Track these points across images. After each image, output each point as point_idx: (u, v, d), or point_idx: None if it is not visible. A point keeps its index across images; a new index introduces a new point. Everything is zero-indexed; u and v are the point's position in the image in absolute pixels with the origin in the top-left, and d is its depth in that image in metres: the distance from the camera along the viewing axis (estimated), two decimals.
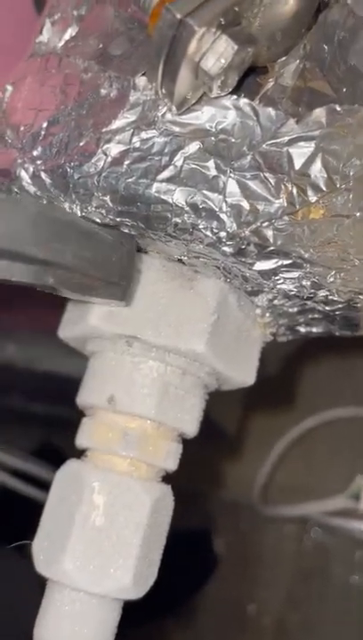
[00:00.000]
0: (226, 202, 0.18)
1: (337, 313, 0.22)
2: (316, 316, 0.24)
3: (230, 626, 0.68)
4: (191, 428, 0.24)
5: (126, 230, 0.20)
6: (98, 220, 0.20)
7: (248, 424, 0.71)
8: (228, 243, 0.19)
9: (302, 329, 0.26)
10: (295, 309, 0.23)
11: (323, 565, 0.67)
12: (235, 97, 0.18)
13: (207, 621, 0.68)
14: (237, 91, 0.18)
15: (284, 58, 0.19)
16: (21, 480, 0.42)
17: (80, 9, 0.22)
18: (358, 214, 0.19)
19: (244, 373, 0.24)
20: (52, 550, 0.22)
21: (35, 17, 0.26)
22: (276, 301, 0.23)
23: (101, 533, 0.21)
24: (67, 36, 0.21)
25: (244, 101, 0.18)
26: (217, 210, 0.18)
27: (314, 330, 0.25)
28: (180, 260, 0.22)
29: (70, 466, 0.23)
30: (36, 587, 0.23)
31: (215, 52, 0.16)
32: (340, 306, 0.22)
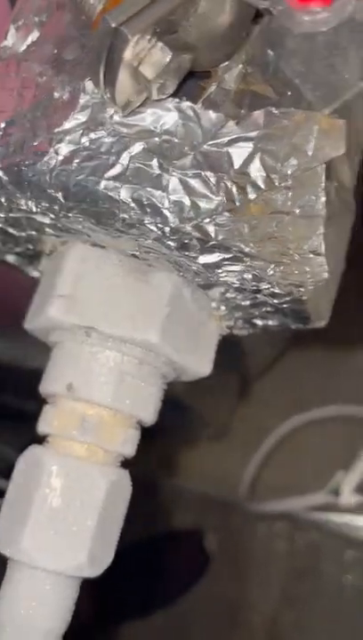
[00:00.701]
0: (169, 199, 0.19)
1: (285, 306, 0.23)
2: (268, 309, 0.25)
3: (223, 625, 0.69)
4: (148, 416, 0.25)
5: (80, 227, 0.21)
6: (52, 216, 0.21)
7: (236, 422, 0.72)
8: (171, 237, 0.20)
9: (259, 322, 0.27)
10: (248, 302, 0.24)
11: (315, 564, 0.68)
12: (177, 100, 0.19)
13: (199, 621, 0.69)
14: (180, 94, 0.19)
15: (226, 63, 0.20)
16: None
17: (41, 15, 0.23)
18: (297, 211, 0.20)
19: (199, 364, 0.25)
20: (12, 530, 0.23)
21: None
22: (228, 294, 0.24)
23: (59, 514, 0.22)
24: (28, 41, 0.23)
25: (186, 104, 0.19)
26: (161, 206, 0.19)
27: (270, 323, 0.26)
28: (134, 255, 0.23)
29: (31, 451, 0.24)
30: None
31: (151, 58, 0.17)
32: (286, 299, 0.23)
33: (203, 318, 0.25)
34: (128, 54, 0.17)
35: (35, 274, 0.29)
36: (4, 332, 0.50)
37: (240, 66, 0.20)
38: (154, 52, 0.17)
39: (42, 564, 0.22)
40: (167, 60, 0.17)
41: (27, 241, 0.25)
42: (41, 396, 0.25)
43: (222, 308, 0.25)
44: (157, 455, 0.67)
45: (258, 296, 0.23)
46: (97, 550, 0.23)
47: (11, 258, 0.28)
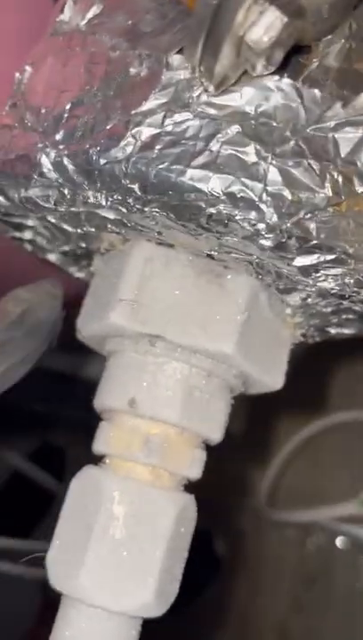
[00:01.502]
0: (266, 191, 0.17)
1: None
2: (350, 316, 0.22)
3: (232, 629, 0.67)
4: (216, 435, 0.22)
5: (153, 223, 0.19)
6: (124, 211, 0.18)
7: (256, 426, 0.70)
8: (267, 235, 0.17)
9: (333, 330, 0.24)
10: (330, 309, 0.22)
11: (327, 571, 0.66)
12: (277, 77, 0.17)
13: (210, 624, 0.67)
14: (279, 71, 0.17)
15: (329, 37, 0.17)
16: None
17: None
18: None
19: (272, 376, 0.23)
20: (69, 564, 0.20)
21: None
22: (309, 300, 0.21)
23: (121, 547, 0.20)
24: (90, 14, 0.20)
25: (287, 82, 0.17)
26: (257, 199, 0.17)
27: (345, 331, 0.24)
28: (208, 255, 0.20)
29: (87, 473, 0.21)
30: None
31: (263, 24, 0.14)
32: None
33: (277, 326, 0.23)
34: (238, 19, 0.14)
35: (79, 274, 0.26)
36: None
37: (343, 41, 0.18)
38: (266, 17, 0.14)
39: (102, 604, 0.20)
40: (281, 26, 0.14)
41: (80, 238, 0.23)
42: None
43: (299, 314, 0.23)
44: None
45: (344, 302, 0.21)
46: (164, 586, 0.20)
47: (53, 256, 0.26)
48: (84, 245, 0.23)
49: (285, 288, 0.21)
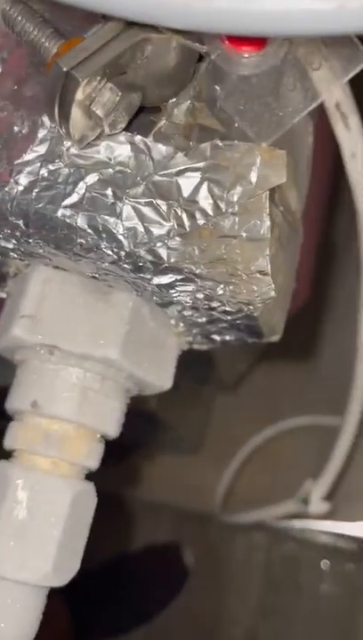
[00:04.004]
0: (123, 225, 0.21)
1: (239, 322, 0.25)
2: (223, 325, 0.26)
3: (202, 637, 0.70)
4: (112, 430, 0.26)
5: (41, 251, 0.23)
6: (14, 242, 0.22)
7: (210, 433, 0.73)
8: (127, 260, 0.21)
9: (217, 337, 0.28)
10: (204, 319, 0.26)
11: (292, 575, 0.69)
12: (130, 134, 0.21)
13: (178, 632, 0.70)
14: (132, 128, 0.21)
15: (174, 99, 0.22)
16: None
17: (2, 52, 0.24)
18: (244, 235, 0.22)
19: (160, 378, 0.27)
20: None
21: None
22: (185, 312, 0.25)
23: (24, 525, 0.23)
24: None
25: (138, 138, 0.21)
26: (115, 232, 0.21)
27: (227, 338, 0.28)
28: (94, 277, 0.24)
29: None
30: None
31: (101, 98, 0.18)
32: (238, 315, 0.24)
33: (162, 335, 0.26)
34: (80, 95, 0.18)
35: (1, 295, 0.30)
36: None
37: (188, 101, 0.22)
38: (104, 92, 0.18)
39: (8, 575, 0.23)
40: (117, 99, 0.18)
41: None
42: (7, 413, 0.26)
43: (181, 324, 0.26)
44: (130, 469, 0.67)
45: (213, 313, 0.25)
46: (63, 560, 0.24)
47: None
48: None
49: (162, 302, 0.25)
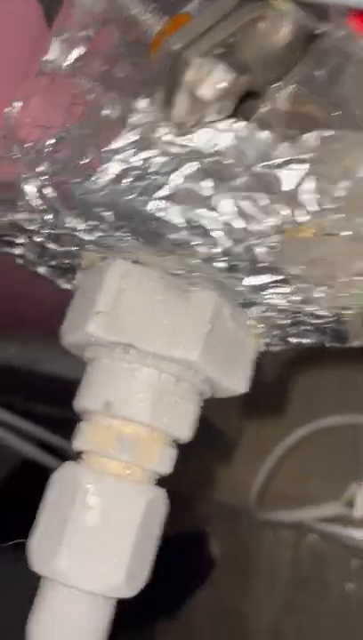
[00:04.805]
0: (219, 220, 0.19)
1: (326, 326, 0.23)
2: (307, 328, 0.25)
3: (225, 631, 0.69)
4: (185, 434, 0.24)
5: (125, 245, 0.21)
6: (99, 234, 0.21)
7: (247, 430, 0.72)
8: (220, 259, 0.20)
9: (294, 340, 0.26)
10: (288, 321, 0.24)
11: (319, 572, 0.68)
12: (231, 120, 0.19)
13: (202, 625, 0.69)
14: (233, 114, 0.19)
15: (278, 83, 0.20)
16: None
17: (88, 30, 0.23)
18: (348, 234, 0.20)
19: (237, 382, 0.25)
20: (47, 549, 0.22)
21: (46, 31, 0.27)
22: (268, 314, 0.24)
23: (95, 533, 0.22)
24: (74, 56, 0.22)
25: (239, 125, 0.19)
26: (210, 227, 0.19)
27: (304, 341, 0.26)
28: (176, 273, 0.23)
29: (66, 468, 0.24)
30: (30, 585, 0.23)
31: (211, 80, 0.17)
32: (329, 319, 0.22)
33: (241, 336, 0.25)
34: (190, 76, 0.16)
35: (66, 286, 0.29)
36: (15, 336, 0.50)
37: (293, 86, 0.20)
38: (214, 75, 0.17)
39: (77, 584, 0.22)
40: (227, 82, 0.17)
41: (64, 255, 0.25)
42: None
43: (261, 326, 0.25)
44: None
45: (299, 315, 0.23)
46: (134, 570, 0.23)
47: (43, 270, 0.28)
48: (67, 261, 0.26)
49: (245, 302, 0.23)
